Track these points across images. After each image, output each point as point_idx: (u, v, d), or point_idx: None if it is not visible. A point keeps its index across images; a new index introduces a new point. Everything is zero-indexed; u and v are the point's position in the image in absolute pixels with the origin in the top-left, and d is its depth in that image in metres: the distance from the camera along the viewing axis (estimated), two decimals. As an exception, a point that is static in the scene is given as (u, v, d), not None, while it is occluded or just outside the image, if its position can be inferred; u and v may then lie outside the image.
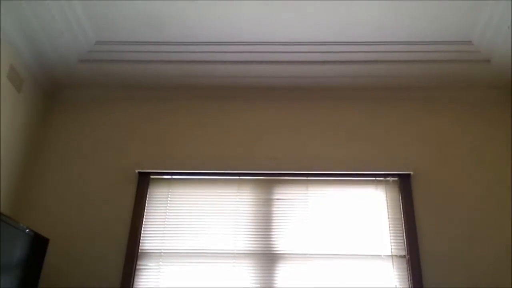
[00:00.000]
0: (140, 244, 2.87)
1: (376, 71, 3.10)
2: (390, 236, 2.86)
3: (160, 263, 2.83)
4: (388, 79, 3.18)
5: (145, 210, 2.97)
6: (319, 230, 2.89)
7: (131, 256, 2.81)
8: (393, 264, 2.79)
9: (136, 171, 3.05)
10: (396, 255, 2.81)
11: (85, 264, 2.81)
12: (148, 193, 3.02)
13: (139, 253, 2.85)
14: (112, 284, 2.75)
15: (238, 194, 3.01)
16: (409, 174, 2.99)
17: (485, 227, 2.84)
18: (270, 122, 3.23)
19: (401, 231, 2.87)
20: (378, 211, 2.94)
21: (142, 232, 2.90)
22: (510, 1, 2.52)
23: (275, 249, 2.85)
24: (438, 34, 2.83)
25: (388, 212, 2.93)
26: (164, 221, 2.94)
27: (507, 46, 2.82)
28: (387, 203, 2.96)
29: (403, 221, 2.88)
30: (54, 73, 3.20)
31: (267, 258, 2.82)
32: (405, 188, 2.96)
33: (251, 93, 3.31)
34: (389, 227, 2.89)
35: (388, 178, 3.03)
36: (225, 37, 2.89)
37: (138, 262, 2.83)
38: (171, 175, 3.07)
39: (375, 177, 3.03)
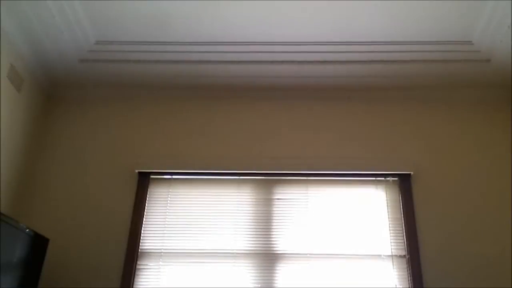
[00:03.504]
0: (140, 244, 2.87)
1: (376, 71, 3.10)
2: (390, 236, 2.86)
3: (160, 263, 2.83)
4: (388, 79, 3.18)
5: (145, 210, 2.97)
6: (319, 230, 2.89)
7: (131, 256, 2.81)
8: (393, 264, 2.79)
9: (136, 171, 3.05)
10: (396, 255, 2.81)
11: (85, 264, 2.81)
12: (148, 193, 3.02)
13: (139, 253, 2.85)
14: (112, 284, 2.75)
15: (238, 194, 3.01)
16: (409, 174, 2.99)
17: (485, 227, 2.84)
18: (270, 122, 3.23)
19: (401, 231, 2.87)
20: (378, 211, 2.94)
21: (142, 232, 2.90)
22: (510, 1, 2.52)
23: (275, 249, 2.85)
24: (438, 34, 2.83)
25: (388, 212, 2.93)
26: (164, 221, 2.94)
27: (507, 46, 2.82)
28: (387, 203, 2.96)
29: (403, 221, 2.88)
30: (54, 73, 3.20)
31: (267, 258, 2.82)
32: (405, 188, 2.96)
33: (251, 93, 3.31)
34: (389, 227, 2.89)
35: (388, 178, 3.03)
36: (225, 37, 2.89)
37: (138, 262, 2.83)
38: (171, 175, 3.07)
39: (375, 177, 3.03)
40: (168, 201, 3.00)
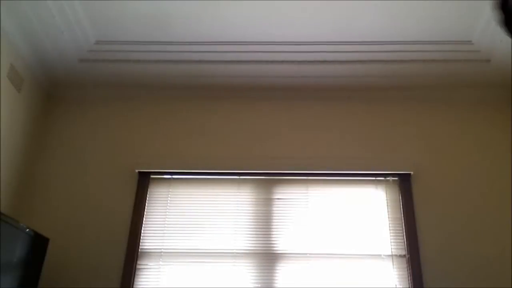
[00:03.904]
0: (140, 244, 2.87)
1: (376, 71, 3.10)
2: (390, 235, 2.86)
3: (160, 262, 2.83)
4: (388, 79, 3.18)
5: (145, 210, 2.97)
6: (319, 230, 2.89)
7: (131, 255, 2.81)
8: (393, 264, 2.79)
9: (136, 170, 3.05)
10: (396, 255, 2.81)
11: (85, 264, 2.81)
12: (148, 192, 3.02)
13: (139, 253, 2.85)
14: (112, 284, 2.75)
15: (238, 193, 3.01)
16: (409, 174, 2.99)
17: (485, 227, 2.84)
18: (270, 122, 3.23)
19: (401, 231, 2.87)
20: (378, 211, 2.94)
21: (142, 231, 2.90)
22: (510, 1, 2.52)
23: (275, 248, 2.85)
24: (438, 34, 2.83)
25: (388, 211, 2.93)
26: (164, 221, 2.94)
27: (507, 46, 2.83)
28: (387, 202, 2.96)
29: (403, 221, 2.89)
30: (54, 73, 3.20)
31: (267, 258, 2.82)
32: (405, 188, 2.97)
33: (251, 93, 3.31)
34: (389, 226, 2.89)
35: (388, 178, 3.03)
36: (225, 37, 2.89)
37: (138, 262, 2.83)
38: (171, 175, 3.07)
39: (375, 177, 3.03)
40: (168, 201, 3.00)
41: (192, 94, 3.31)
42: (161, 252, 2.85)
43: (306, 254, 2.83)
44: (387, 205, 2.95)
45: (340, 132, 3.18)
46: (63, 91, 3.34)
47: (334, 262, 2.79)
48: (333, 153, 3.10)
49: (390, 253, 2.82)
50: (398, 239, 2.86)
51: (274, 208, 2.96)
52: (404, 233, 2.85)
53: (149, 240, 2.89)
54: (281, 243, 2.86)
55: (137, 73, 3.18)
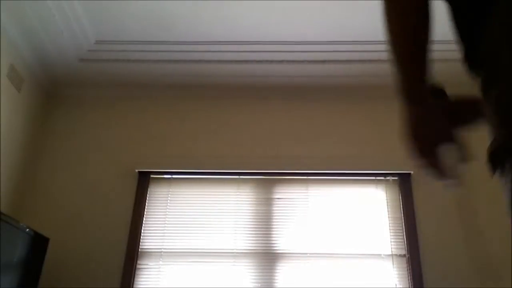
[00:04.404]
0: (140, 244, 2.87)
1: (376, 70, 3.10)
2: (390, 235, 2.86)
3: (160, 262, 2.83)
4: (388, 78, 3.16)
5: (145, 210, 2.97)
6: (319, 229, 2.89)
7: (131, 255, 2.81)
8: (393, 264, 2.79)
9: (136, 170, 3.04)
10: (396, 254, 2.81)
11: (85, 263, 2.81)
12: (148, 192, 3.02)
13: (139, 253, 2.85)
14: (112, 284, 2.75)
15: (238, 193, 3.01)
16: (409, 173, 2.99)
17: (485, 226, 2.84)
18: (270, 122, 3.22)
19: (401, 230, 2.87)
20: (378, 210, 2.94)
21: (142, 231, 2.90)
22: (510, 1, 2.53)
23: (275, 248, 2.85)
24: (438, 33, 2.82)
25: (388, 211, 2.93)
26: (164, 221, 2.94)
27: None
28: (387, 202, 2.96)
29: (403, 220, 2.88)
30: (54, 73, 3.19)
31: (267, 258, 2.82)
32: (405, 187, 2.97)
33: (250, 93, 3.31)
34: (389, 226, 2.89)
35: (388, 177, 3.03)
36: (225, 37, 2.89)
37: (138, 262, 2.83)
38: (171, 175, 3.07)
39: (375, 176, 3.03)
40: (168, 201, 3.00)
41: (192, 94, 3.31)
42: (161, 252, 2.85)
43: (306, 254, 2.82)
44: (387, 205, 2.95)
45: (340, 131, 3.17)
46: (63, 90, 3.34)
47: (334, 262, 2.79)
48: (333, 153, 3.10)
49: (390, 253, 2.82)
50: (398, 238, 2.86)
51: (274, 208, 2.96)
52: (404, 233, 2.85)
53: (149, 240, 2.89)
54: (281, 243, 2.86)
55: (137, 73, 3.18)
